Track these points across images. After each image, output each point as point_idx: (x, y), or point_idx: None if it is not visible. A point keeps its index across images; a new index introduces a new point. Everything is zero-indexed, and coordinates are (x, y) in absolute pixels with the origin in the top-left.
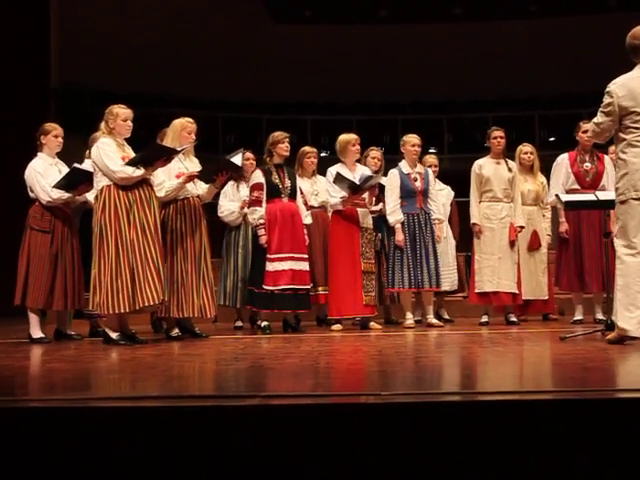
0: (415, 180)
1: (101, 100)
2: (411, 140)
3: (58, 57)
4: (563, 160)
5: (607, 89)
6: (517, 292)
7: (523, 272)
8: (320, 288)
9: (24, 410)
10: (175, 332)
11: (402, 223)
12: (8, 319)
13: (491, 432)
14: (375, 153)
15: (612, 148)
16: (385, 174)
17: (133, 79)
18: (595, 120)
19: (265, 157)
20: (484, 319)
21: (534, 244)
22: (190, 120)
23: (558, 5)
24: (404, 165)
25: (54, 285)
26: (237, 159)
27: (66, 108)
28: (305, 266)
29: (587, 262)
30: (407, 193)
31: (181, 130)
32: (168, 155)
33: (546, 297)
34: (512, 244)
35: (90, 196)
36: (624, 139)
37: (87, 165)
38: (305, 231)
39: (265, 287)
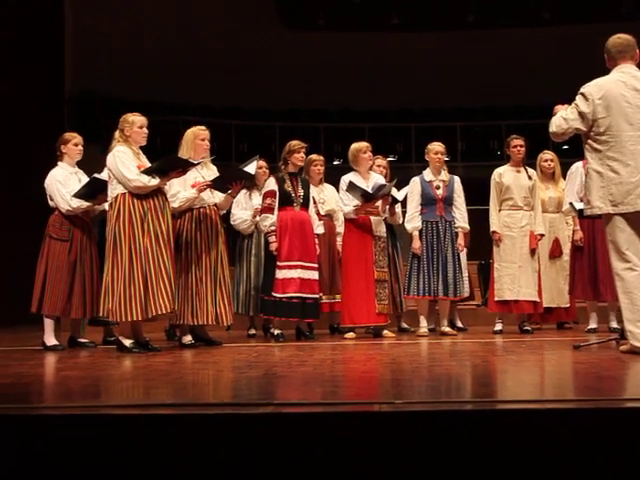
0: (437, 188)
1: (115, 109)
2: (434, 148)
3: (72, 66)
4: (577, 168)
5: (582, 90)
6: (538, 300)
7: (545, 280)
8: (324, 297)
9: (38, 417)
10: (188, 340)
11: (420, 230)
12: (22, 326)
13: (506, 441)
14: (380, 161)
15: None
16: (399, 184)
17: (146, 87)
18: (564, 115)
19: (280, 165)
20: (498, 327)
21: (555, 252)
22: (202, 127)
23: (572, 13)
24: (427, 173)
25: (72, 293)
26: (252, 167)
27: (81, 117)
28: (314, 275)
29: (601, 270)
30: (427, 201)
31: (194, 139)
32: (184, 167)
33: (568, 305)
34: (533, 252)
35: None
36: (598, 150)
37: (105, 175)
38: (316, 241)
39: (274, 294)
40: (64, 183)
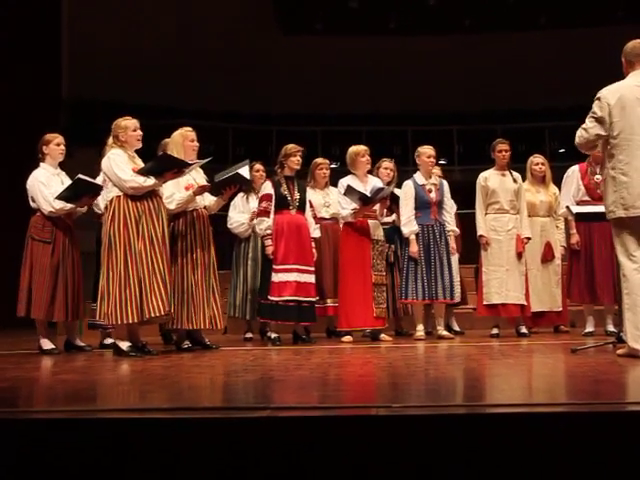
0: (430, 191)
1: (112, 112)
2: (426, 151)
3: (69, 69)
4: (574, 172)
5: (598, 95)
6: (525, 303)
7: (537, 284)
8: (329, 300)
9: (34, 422)
10: (185, 344)
11: (416, 234)
12: (19, 330)
13: (502, 445)
14: (387, 164)
15: None
16: (398, 185)
17: (143, 91)
18: (584, 126)
19: (276, 168)
20: (495, 331)
21: (547, 255)
22: (188, 129)
23: (568, 17)
24: (419, 176)
25: (55, 296)
26: (244, 170)
27: (77, 121)
28: (310, 278)
29: (598, 274)
30: (422, 204)
31: (183, 141)
32: (179, 167)
33: (560, 309)
34: (519, 255)
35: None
36: (613, 154)
37: (101, 179)
38: (313, 244)
39: (270, 298)
40: (46, 184)
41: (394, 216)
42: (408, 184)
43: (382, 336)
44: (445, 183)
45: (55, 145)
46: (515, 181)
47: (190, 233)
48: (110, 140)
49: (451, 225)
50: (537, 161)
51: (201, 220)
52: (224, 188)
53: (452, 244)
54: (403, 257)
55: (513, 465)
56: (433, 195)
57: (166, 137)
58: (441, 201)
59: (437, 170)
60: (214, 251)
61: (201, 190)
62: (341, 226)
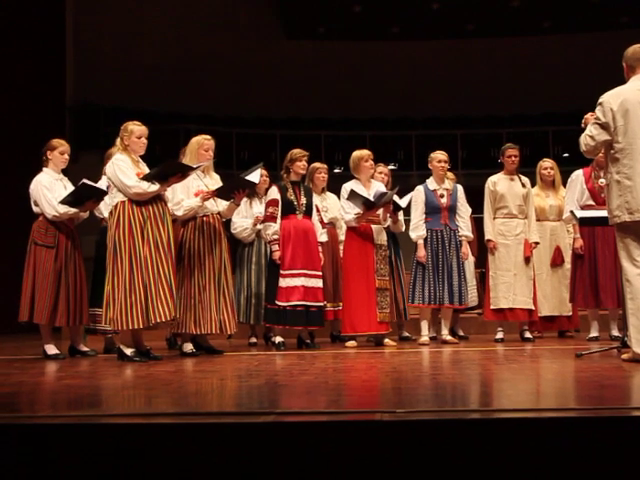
0: (441, 196)
1: (116, 117)
2: (437, 156)
3: (74, 75)
4: (578, 176)
5: (600, 100)
6: (533, 308)
7: (546, 288)
8: (328, 305)
9: (39, 427)
10: (189, 348)
11: (425, 239)
12: (22, 335)
13: (507, 450)
14: (382, 169)
15: None
16: (400, 192)
17: (148, 96)
18: (589, 132)
19: (282, 173)
20: (499, 335)
21: (557, 260)
22: (207, 137)
23: (571, 22)
24: (431, 181)
25: (58, 301)
26: (255, 175)
27: (81, 126)
28: (318, 283)
29: (602, 278)
30: (432, 209)
31: (198, 148)
32: (183, 172)
33: (570, 313)
34: (527, 260)
35: (106, 212)
36: (617, 159)
37: (103, 182)
38: (320, 249)
39: (277, 303)
40: (50, 188)
41: (389, 221)
42: (418, 189)
43: (386, 341)
44: (460, 188)
45: (59, 153)
46: (524, 186)
47: (199, 238)
48: (117, 141)
49: (464, 230)
50: (546, 165)
51: (212, 226)
52: (232, 192)
53: (463, 249)
54: (398, 262)
55: (519, 470)
56: (444, 200)
57: (171, 141)
58: (453, 206)
59: (451, 175)
60: (227, 256)
61: (207, 196)
62: (339, 231)
